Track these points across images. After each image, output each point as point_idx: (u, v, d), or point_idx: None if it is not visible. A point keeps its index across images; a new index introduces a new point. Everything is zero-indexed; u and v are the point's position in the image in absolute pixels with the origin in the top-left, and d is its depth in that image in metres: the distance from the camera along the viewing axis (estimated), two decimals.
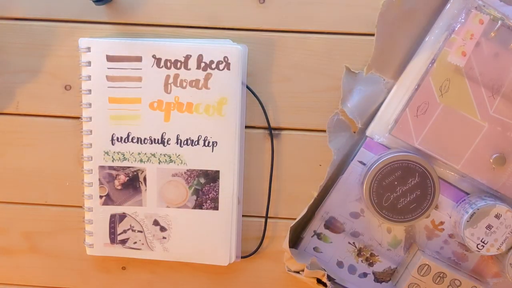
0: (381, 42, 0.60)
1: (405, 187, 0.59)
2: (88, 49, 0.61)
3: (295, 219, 0.61)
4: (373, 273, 0.64)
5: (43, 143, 0.65)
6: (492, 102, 0.58)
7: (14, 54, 0.64)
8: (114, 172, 0.62)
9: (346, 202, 0.62)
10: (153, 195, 0.62)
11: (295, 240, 0.64)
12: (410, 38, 0.60)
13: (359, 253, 0.63)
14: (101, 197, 0.63)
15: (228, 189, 0.62)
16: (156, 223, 0.63)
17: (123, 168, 0.62)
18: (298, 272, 0.62)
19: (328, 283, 0.59)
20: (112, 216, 0.63)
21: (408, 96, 0.60)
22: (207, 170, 0.62)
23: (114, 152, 0.62)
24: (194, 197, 0.62)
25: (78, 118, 0.65)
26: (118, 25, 0.63)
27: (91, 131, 0.62)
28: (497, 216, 0.57)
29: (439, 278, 0.60)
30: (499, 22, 0.57)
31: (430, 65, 0.59)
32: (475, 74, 0.58)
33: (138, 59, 0.61)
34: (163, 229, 0.63)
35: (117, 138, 0.62)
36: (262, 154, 0.64)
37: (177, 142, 0.61)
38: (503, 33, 0.57)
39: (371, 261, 0.63)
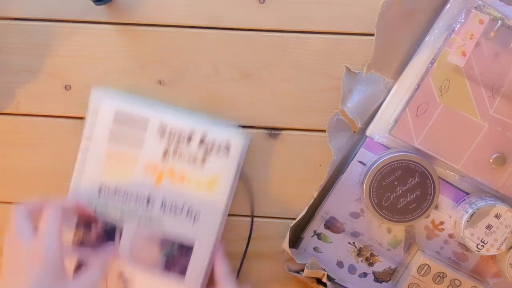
0: (381, 42, 0.60)
1: (405, 187, 0.59)
2: (99, 101, 0.61)
3: (295, 219, 0.61)
4: (373, 273, 0.64)
5: (43, 143, 0.65)
6: (492, 102, 0.58)
7: (14, 54, 0.64)
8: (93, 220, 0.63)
9: (346, 202, 0.62)
10: (124, 251, 0.62)
11: (295, 240, 0.64)
12: (410, 38, 0.60)
13: (359, 253, 0.63)
14: (74, 239, 0.63)
15: (199, 262, 0.62)
16: (120, 277, 0.62)
17: (103, 219, 0.62)
18: (298, 272, 0.62)
19: (328, 283, 0.59)
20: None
21: (408, 96, 0.60)
22: (183, 241, 0.61)
23: (98, 202, 0.62)
24: (164, 261, 0.62)
25: (78, 118, 0.65)
26: (118, 25, 0.63)
27: (80, 182, 0.62)
28: (497, 216, 0.57)
29: (439, 278, 0.60)
30: (499, 22, 0.57)
31: (430, 65, 0.59)
32: (475, 74, 0.58)
33: (145, 122, 0.61)
34: (126, 284, 0.63)
35: (105, 189, 0.62)
36: (262, 154, 0.64)
37: (161, 207, 0.61)
38: (503, 33, 0.57)
39: (371, 261, 0.63)
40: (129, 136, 0.61)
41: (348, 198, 0.62)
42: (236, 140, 0.61)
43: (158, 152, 0.61)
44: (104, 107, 0.61)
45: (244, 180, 0.64)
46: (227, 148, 0.60)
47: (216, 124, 0.62)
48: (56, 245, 0.51)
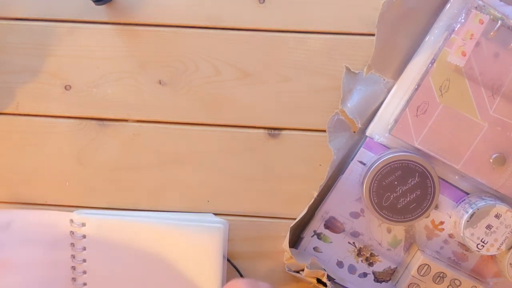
0: (381, 42, 0.60)
1: (405, 187, 0.59)
2: (83, 224, 0.63)
3: (295, 219, 0.61)
4: (373, 273, 0.64)
5: (43, 143, 0.65)
6: (492, 102, 0.58)
7: (14, 54, 0.64)
8: None
9: (346, 202, 0.62)
10: None
11: (295, 240, 0.64)
12: (410, 38, 0.60)
13: (359, 253, 0.63)
14: None
15: None
16: None
17: None
18: (298, 272, 0.62)
19: (328, 283, 0.59)
20: None
21: (408, 96, 0.60)
22: None
23: None
24: None
25: (78, 118, 0.65)
26: (118, 25, 0.63)
27: None
28: (497, 216, 0.58)
29: (439, 278, 0.60)
30: (499, 22, 0.57)
31: (430, 65, 0.59)
32: (475, 74, 0.58)
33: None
34: None
35: None
36: (262, 154, 0.64)
37: None
38: (503, 33, 0.57)
39: (371, 261, 0.63)
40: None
41: (348, 198, 0.62)
42: (213, 233, 0.62)
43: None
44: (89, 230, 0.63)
45: (231, 263, 0.65)
46: (206, 245, 0.62)
47: (190, 221, 0.63)
48: None
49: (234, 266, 0.65)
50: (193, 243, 0.62)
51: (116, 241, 0.63)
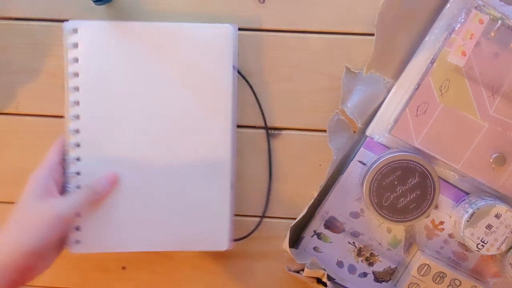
0: (381, 42, 0.60)
1: (405, 187, 0.59)
2: (75, 30, 0.56)
3: (295, 219, 0.62)
4: (373, 272, 0.64)
5: (43, 143, 0.65)
6: (492, 102, 0.58)
7: (14, 54, 0.64)
8: None
9: (346, 202, 0.62)
10: None
11: (295, 240, 0.64)
12: (410, 38, 0.60)
13: (359, 253, 0.63)
14: None
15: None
16: None
17: None
18: (298, 272, 0.62)
19: (328, 282, 0.59)
20: None
21: (408, 96, 0.60)
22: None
23: None
24: None
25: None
26: None
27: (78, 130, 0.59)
28: (497, 216, 0.58)
29: (439, 278, 0.60)
30: (499, 22, 0.57)
31: (430, 65, 0.59)
32: (475, 74, 0.58)
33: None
34: None
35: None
36: (262, 154, 0.64)
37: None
38: (503, 33, 0.57)
39: (371, 260, 0.63)
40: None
41: (348, 198, 0.62)
42: (223, 33, 0.57)
43: None
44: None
45: (240, 75, 0.60)
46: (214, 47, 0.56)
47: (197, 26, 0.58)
48: (46, 165, 0.57)
49: (244, 78, 0.60)
50: (201, 44, 0.56)
51: (114, 45, 0.55)
